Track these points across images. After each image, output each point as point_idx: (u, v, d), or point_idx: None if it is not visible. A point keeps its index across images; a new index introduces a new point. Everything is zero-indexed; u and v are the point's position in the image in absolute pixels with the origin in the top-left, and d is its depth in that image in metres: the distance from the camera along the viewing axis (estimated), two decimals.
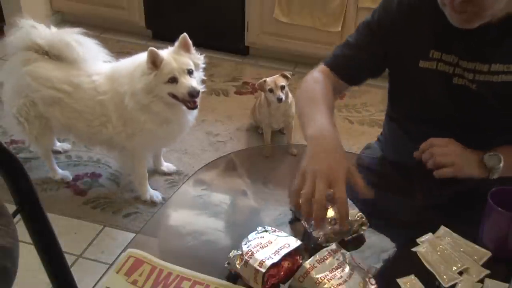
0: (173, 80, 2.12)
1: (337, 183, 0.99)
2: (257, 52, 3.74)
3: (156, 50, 2.09)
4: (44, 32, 2.26)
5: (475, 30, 1.15)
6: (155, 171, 2.68)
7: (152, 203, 2.49)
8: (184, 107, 2.20)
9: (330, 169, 1.00)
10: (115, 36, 3.89)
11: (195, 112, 2.31)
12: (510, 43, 1.18)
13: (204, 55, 2.25)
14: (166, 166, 2.70)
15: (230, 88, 3.41)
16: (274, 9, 3.44)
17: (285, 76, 2.64)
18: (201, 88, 2.23)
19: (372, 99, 3.24)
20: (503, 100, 1.22)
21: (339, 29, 3.36)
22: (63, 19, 4.02)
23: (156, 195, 2.51)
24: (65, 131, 2.45)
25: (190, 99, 2.14)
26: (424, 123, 1.34)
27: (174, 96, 2.15)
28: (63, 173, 2.63)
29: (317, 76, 1.35)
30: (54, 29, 2.29)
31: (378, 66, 1.37)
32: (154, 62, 2.09)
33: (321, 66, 1.38)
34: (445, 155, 1.18)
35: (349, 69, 1.37)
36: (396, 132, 1.46)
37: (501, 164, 1.16)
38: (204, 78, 2.32)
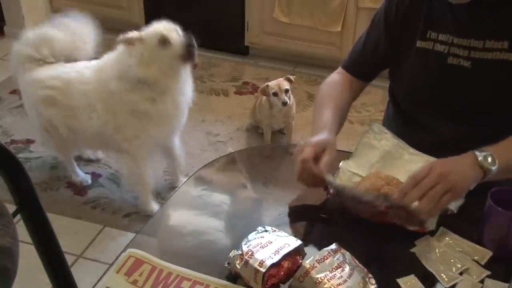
0: (164, 41, 2.06)
1: (305, 150, 1.14)
2: (257, 52, 3.74)
3: (125, 35, 2.14)
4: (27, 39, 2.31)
5: (468, 5, 1.17)
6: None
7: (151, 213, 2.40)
8: (182, 75, 2.16)
9: (304, 144, 1.16)
10: (115, 36, 3.87)
11: (190, 91, 2.24)
12: (502, 18, 1.19)
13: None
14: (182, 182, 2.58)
15: (230, 88, 3.41)
16: (274, 9, 3.44)
17: (289, 80, 2.62)
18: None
19: (372, 99, 3.24)
20: (497, 82, 1.22)
21: (339, 29, 3.36)
22: None
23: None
24: (71, 135, 2.34)
25: (187, 49, 2.08)
26: (422, 108, 1.34)
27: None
28: (83, 176, 2.60)
29: (332, 79, 1.44)
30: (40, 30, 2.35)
31: (385, 57, 1.39)
32: (130, 41, 2.11)
33: (339, 68, 1.47)
34: (434, 185, 1.02)
35: (360, 66, 1.43)
36: (400, 124, 1.45)
37: (496, 166, 1.07)
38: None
